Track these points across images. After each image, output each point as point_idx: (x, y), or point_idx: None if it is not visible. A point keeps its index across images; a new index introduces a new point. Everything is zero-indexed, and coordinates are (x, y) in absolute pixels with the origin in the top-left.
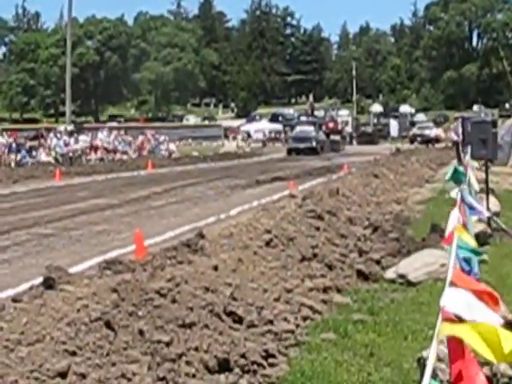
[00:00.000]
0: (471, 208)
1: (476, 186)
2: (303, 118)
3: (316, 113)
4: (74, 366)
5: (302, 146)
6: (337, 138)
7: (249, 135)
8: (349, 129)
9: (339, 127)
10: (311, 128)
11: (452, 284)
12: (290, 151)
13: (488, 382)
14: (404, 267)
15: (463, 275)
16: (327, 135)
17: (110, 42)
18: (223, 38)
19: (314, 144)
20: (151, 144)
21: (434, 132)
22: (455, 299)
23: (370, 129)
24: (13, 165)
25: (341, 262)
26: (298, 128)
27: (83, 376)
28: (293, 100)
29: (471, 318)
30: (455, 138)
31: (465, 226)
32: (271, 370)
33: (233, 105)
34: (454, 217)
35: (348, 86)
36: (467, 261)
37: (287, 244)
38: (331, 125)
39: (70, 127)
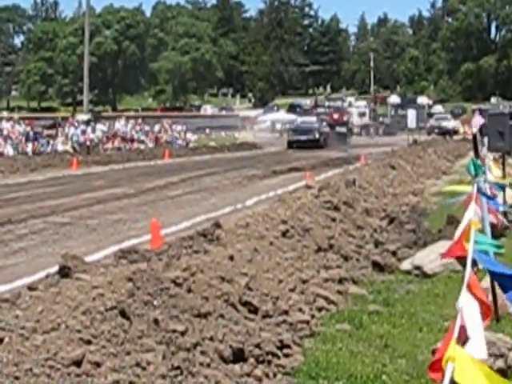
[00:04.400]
0: (489, 198)
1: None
2: (321, 110)
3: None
4: (89, 355)
5: (303, 138)
6: (342, 129)
7: (273, 125)
8: (366, 119)
9: (344, 118)
10: (313, 119)
11: (468, 287)
12: (290, 144)
13: (502, 373)
14: (420, 259)
15: (477, 282)
16: (332, 127)
17: (127, 32)
18: (241, 28)
19: (316, 136)
20: (168, 133)
21: (451, 124)
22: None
23: (387, 120)
24: (30, 153)
25: (357, 253)
26: (300, 119)
27: (98, 364)
28: (310, 91)
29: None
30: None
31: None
32: (286, 360)
33: (250, 95)
34: (471, 212)
35: (366, 77)
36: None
37: (303, 235)
38: (336, 116)
39: (87, 116)
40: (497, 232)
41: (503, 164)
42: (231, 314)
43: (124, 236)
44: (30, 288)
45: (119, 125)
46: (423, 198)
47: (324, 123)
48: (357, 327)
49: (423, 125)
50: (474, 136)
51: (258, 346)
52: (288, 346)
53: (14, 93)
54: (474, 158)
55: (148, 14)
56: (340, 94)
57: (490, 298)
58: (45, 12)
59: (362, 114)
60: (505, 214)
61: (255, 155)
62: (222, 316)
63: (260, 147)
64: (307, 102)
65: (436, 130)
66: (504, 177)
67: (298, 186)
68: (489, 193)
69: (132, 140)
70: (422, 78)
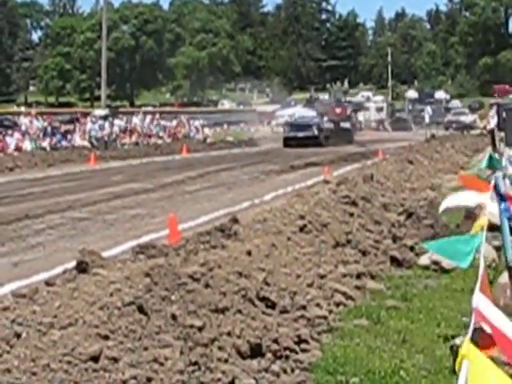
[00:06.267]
0: (503, 198)
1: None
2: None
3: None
4: (107, 350)
5: (301, 134)
6: (346, 125)
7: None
8: (383, 115)
9: (348, 112)
10: (313, 113)
11: (481, 290)
12: (286, 141)
13: None
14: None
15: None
16: (335, 123)
17: (145, 27)
18: (258, 23)
19: (315, 132)
20: (186, 128)
21: (469, 118)
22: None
23: (404, 115)
24: (48, 148)
25: (374, 248)
26: (297, 113)
27: (115, 360)
28: (328, 85)
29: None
30: (492, 125)
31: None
32: (304, 355)
33: (268, 90)
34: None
35: (383, 72)
36: None
37: (321, 230)
38: (338, 110)
39: (104, 112)
40: None
41: None
42: (249, 309)
43: (142, 231)
44: (48, 283)
45: (137, 120)
46: (441, 192)
47: (325, 118)
48: (375, 322)
49: (441, 119)
50: (492, 131)
51: (275, 341)
52: (306, 342)
53: (31, 88)
54: (492, 152)
55: (166, 8)
56: (356, 89)
57: (508, 293)
58: (62, 7)
59: (379, 109)
60: None
61: (271, 150)
62: (239, 311)
63: (256, 144)
64: (325, 96)
65: (454, 125)
66: None
67: (315, 181)
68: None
69: (150, 135)
70: (439, 73)
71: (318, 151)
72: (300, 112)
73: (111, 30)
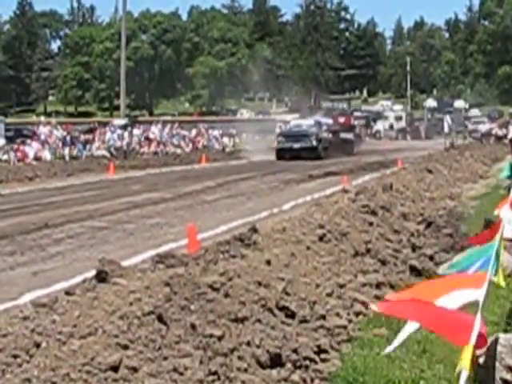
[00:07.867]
0: None
1: None
2: (357, 114)
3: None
4: (126, 360)
5: (297, 145)
6: (349, 136)
7: None
8: (403, 123)
9: (352, 122)
10: (310, 122)
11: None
12: (280, 153)
13: None
14: None
15: None
16: (334, 132)
17: (164, 36)
18: (277, 33)
19: (313, 143)
20: (205, 138)
21: (487, 127)
22: None
23: (423, 124)
24: (67, 158)
25: (394, 257)
26: (293, 122)
27: (135, 369)
28: (347, 95)
29: None
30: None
31: None
32: (323, 365)
33: (287, 99)
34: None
35: (402, 81)
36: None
37: (340, 239)
38: (342, 119)
39: (124, 121)
40: None
41: None
42: (268, 319)
43: (161, 240)
44: (67, 293)
45: (156, 129)
46: (460, 202)
47: (324, 128)
48: (394, 332)
49: (461, 129)
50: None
51: (295, 350)
52: (325, 351)
53: (50, 98)
54: None
55: (185, 18)
56: (375, 97)
57: None
58: (81, 17)
59: (398, 118)
60: None
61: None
62: (259, 321)
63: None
64: (344, 105)
65: (473, 134)
66: None
67: (334, 190)
68: None
69: (165, 143)
70: (458, 82)
71: (336, 160)
72: (295, 121)
73: (130, 39)
